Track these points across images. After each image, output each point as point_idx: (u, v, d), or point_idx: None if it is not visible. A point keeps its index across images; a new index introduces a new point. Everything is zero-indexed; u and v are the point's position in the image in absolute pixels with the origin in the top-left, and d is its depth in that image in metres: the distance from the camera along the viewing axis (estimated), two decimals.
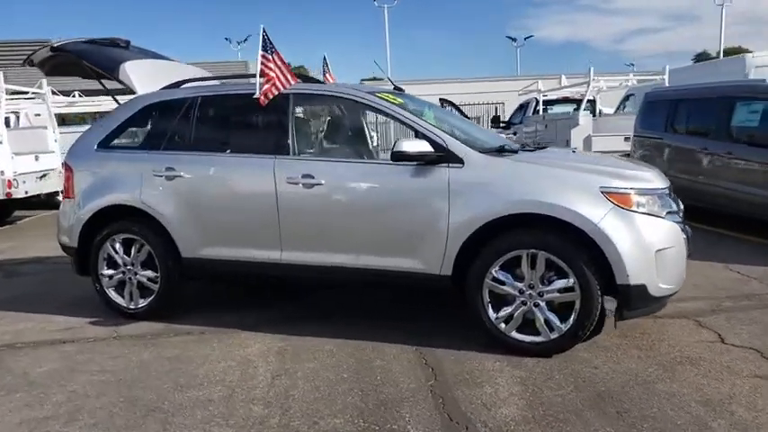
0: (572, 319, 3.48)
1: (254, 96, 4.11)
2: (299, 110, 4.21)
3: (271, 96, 4.10)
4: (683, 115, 8.00)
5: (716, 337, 3.77)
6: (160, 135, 4.45)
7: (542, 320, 3.53)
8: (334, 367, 3.52)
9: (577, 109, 12.58)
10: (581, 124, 10.44)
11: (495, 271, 3.58)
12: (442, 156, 3.66)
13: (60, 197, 11.21)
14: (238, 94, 4.38)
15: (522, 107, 15.32)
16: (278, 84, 4.13)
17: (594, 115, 12.12)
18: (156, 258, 4.36)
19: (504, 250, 3.55)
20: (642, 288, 3.40)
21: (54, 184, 10.99)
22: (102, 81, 5.21)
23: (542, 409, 2.94)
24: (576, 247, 3.44)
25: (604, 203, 3.40)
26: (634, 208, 3.43)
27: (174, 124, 4.40)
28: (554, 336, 3.53)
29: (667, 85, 10.60)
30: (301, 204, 3.96)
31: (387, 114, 3.92)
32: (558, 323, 3.51)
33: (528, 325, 3.59)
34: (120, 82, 4.75)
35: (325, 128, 4.89)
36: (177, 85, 4.67)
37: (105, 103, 13.89)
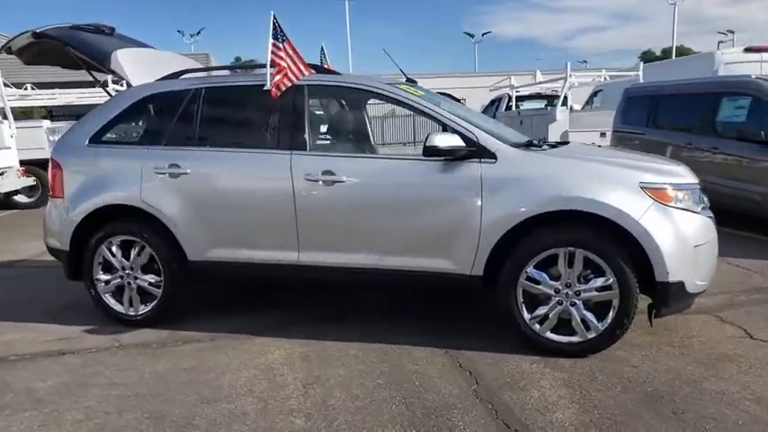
0: (610, 317, 3.40)
1: (265, 88, 3.88)
2: (314, 102, 3.99)
3: (283, 88, 3.87)
4: (666, 111, 8.10)
5: (743, 333, 3.77)
6: (161, 129, 4.15)
7: (579, 320, 3.45)
8: (367, 373, 3.34)
9: (549, 105, 12.68)
10: (558, 120, 10.49)
11: (529, 270, 3.47)
12: (474, 150, 3.53)
13: (21, 197, 10.66)
14: (247, 86, 4.12)
15: (494, 103, 15.36)
16: (290, 75, 3.90)
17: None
18: (159, 261, 4.07)
19: (540, 249, 3.44)
20: (680, 285, 3.35)
21: (12, 182, 10.36)
22: (91, 71, 4.84)
23: (597, 413, 2.85)
24: (614, 244, 3.36)
25: (645, 199, 3.33)
26: (672, 203, 3.37)
27: (177, 118, 4.11)
28: (591, 335, 3.44)
29: (642, 81, 10.76)
30: (321, 203, 3.75)
31: (412, 107, 3.74)
32: (595, 322, 3.42)
33: (563, 325, 3.50)
34: (112, 72, 4.43)
35: (343, 121, 4.67)
36: (176, 75, 4.38)
37: (62, 97, 13.26)
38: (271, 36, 3.91)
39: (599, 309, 3.45)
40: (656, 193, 3.36)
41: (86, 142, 4.26)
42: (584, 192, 3.36)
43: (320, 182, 3.72)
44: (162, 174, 4.00)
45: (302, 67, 3.94)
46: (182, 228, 3.98)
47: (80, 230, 4.20)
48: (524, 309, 3.52)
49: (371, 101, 4.48)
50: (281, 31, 3.95)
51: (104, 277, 4.21)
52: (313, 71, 3.99)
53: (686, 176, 3.58)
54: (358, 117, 4.62)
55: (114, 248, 4.16)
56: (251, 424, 2.82)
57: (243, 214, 3.91)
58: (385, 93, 3.83)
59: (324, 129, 4.39)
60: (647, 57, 45.88)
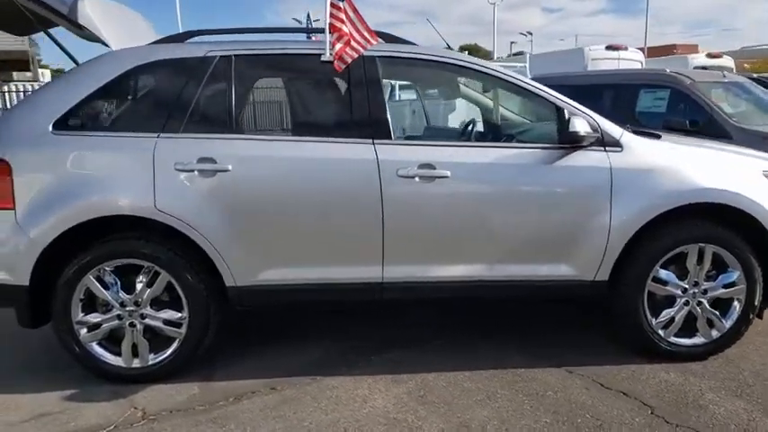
0: (736, 315, 3.20)
1: (324, 59, 3.01)
2: (389, 79, 3.18)
3: (348, 60, 3.03)
4: (579, 102, 8.37)
5: None
6: (174, 111, 3.00)
7: (704, 320, 3.20)
8: (518, 411, 2.73)
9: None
10: (458, 109, 10.42)
11: (657, 271, 3.13)
12: (599, 138, 3.07)
13: None
14: (297, 55, 3.16)
15: None
16: (354, 44, 3.07)
17: None
18: (182, 291, 2.98)
19: (671, 246, 3.11)
20: None
21: None
22: (47, 30, 3.40)
23: None
24: (743, 237, 3.15)
25: None
26: None
27: (198, 95, 3.01)
28: (715, 335, 3.22)
29: (529, 72, 11.13)
30: (417, 205, 3.00)
31: (514, 87, 3.16)
32: (719, 322, 3.20)
33: (685, 327, 3.23)
34: (78, 28, 3.12)
35: (429, 103, 3.86)
36: (181, 38, 3.23)
37: None
38: None
39: (718, 307, 3.23)
40: None
41: (49, 128, 2.94)
42: (717, 182, 3.10)
43: (417, 178, 2.97)
44: (187, 172, 2.90)
45: (367, 35, 3.12)
46: (221, 244, 2.93)
47: (46, 255, 2.91)
48: (649, 313, 3.18)
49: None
50: None
51: (89, 319, 2.98)
52: (380, 39, 3.18)
53: None
54: (446, 97, 3.86)
55: (109, 278, 2.95)
56: None
57: (307, 223, 2.99)
58: (481, 69, 3.18)
59: (408, 111, 3.56)
60: None
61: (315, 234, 3.01)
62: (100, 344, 3.03)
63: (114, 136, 2.97)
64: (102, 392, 2.96)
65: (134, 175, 2.91)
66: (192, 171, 2.90)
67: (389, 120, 3.05)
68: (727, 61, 13.86)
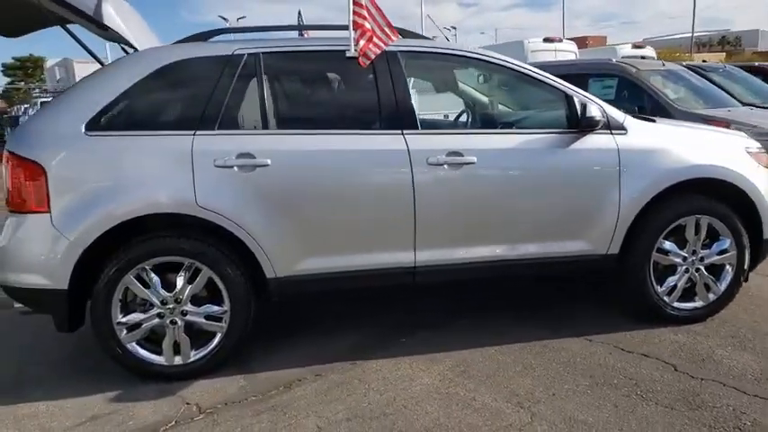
0: (729, 279, 3.54)
1: (349, 55, 3.13)
2: (411, 72, 3.31)
3: (372, 56, 3.16)
4: None
5: None
6: (207, 108, 3.02)
7: (702, 285, 3.52)
8: (556, 378, 2.94)
9: None
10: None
11: (661, 242, 3.43)
12: (605, 122, 3.33)
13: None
14: (322, 51, 3.24)
15: None
16: (376, 40, 3.21)
17: None
18: (224, 285, 3.02)
19: (672, 219, 3.42)
20: None
21: None
22: (68, 27, 3.32)
23: None
24: (730, 207, 3.49)
25: (752, 163, 3.53)
26: (765, 165, 3.63)
27: (230, 93, 3.05)
28: (711, 298, 3.55)
29: None
30: (446, 191, 3.17)
31: (527, 78, 3.37)
32: (715, 286, 3.54)
33: (685, 293, 3.54)
34: (100, 27, 3.10)
35: (449, 95, 3.97)
36: (204, 37, 3.26)
37: None
38: None
39: (713, 273, 3.56)
40: (756, 158, 3.58)
41: (82, 129, 2.92)
42: (711, 159, 3.43)
43: (445, 165, 3.14)
44: (228, 167, 2.95)
45: (388, 31, 3.26)
46: (262, 237, 2.99)
47: (85, 257, 2.90)
48: (655, 282, 3.47)
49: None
50: None
51: (128, 320, 2.98)
52: (399, 35, 3.33)
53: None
54: (463, 89, 3.99)
55: (149, 277, 2.96)
56: None
57: (344, 213, 3.10)
58: (494, 61, 3.38)
59: (429, 102, 3.69)
60: None
61: (350, 222, 3.12)
62: (139, 343, 3.03)
63: (149, 135, 2.98)
64: (146, 391, 2.96)
65: (173, 172, 2.93)
66: (232, 167, 2.95)
67: (415, 110, 3.20)
68: (650, 51, 14.79)
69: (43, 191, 2.85)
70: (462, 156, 3.14)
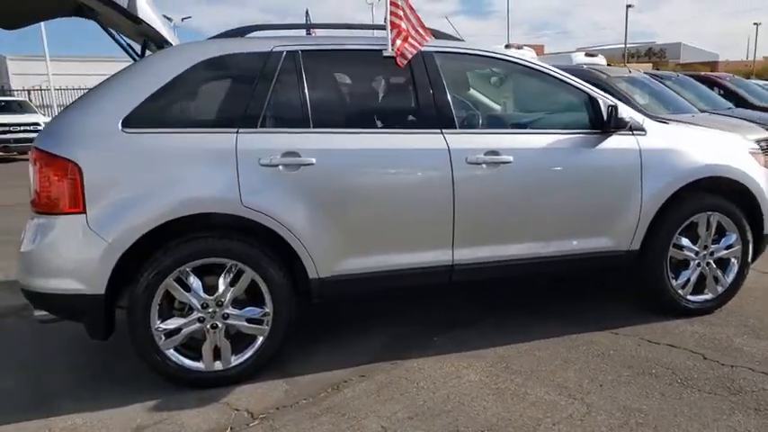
0: (734, 272, 3.75)
1: (386, 54, 3.15)
2: (446, 73, 3.33)
3: (409, 56, 3.19)
4: None
5: None
6: (248, 105, 2.95)
7: (712, 278, 3.72)
8: (596, 369, 3.03)
9: None
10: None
11: (677, 238, 3.60)
12: (629, 123, 3.47)
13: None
14: (361, 50, 3.22)
15: None
16: (412, 40, 3.24)
17: None
18: (268, 286, 2.95)
19: (687, 216, 3.59)
20: None
21: None
22: (101, 21, 3.15)
23: None
24: (737, 205, 3.70)
25: (754, 163, 3.76)
26: (764, 165, 3.87)
27: (271, 90, 2.99)
28: (720, 291, 3.75)
29: None
30: (484, 189, 3.21)
31: (554, 80, 3.46)
32: (723, 278, 3.74)
33: (696, 286, 3.72)
34: (133, 21, 2.97)
35: (477, 94, 3.97)
36: (241, 32, 3.18)
37: None
38: None
39: (720, 267, 3.77)
40: (758, 158, 3.82)
41: (119, 126, 2.79)
42: (722, 159, 3.63)
43: (483, 164, 3.19)
44: (272, 166, 2.89)
45: (422, 31, 3.30)
46: (306, 237, 2.94)
47: (123, 261, 2.77)
48: (671, 276, 3.64)
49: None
50: None
51: (167, 326, 2.86)
52: (432, 36, 3.36)
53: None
54: (488, 90, 4.02)
55: (191, 280, 2.86)
56: None
57: (386, 211, 3.10)
58: (524, 63, 3.46)
59: (463, 103, 3.69)
60: None
61: (392, 221, 3.11)
62: (176, 349, 2.92)
63: (190, 132, 2.88)
64: (186, 399, 2.85)
65: (217, 171, 2.84)
66: (277, 166, 2.89)
67: (453, 110, 3.24)
68: (601, 59, 15.48)
69: (78, 190, 2.70)
70: (499, 155, 3.20)
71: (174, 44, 3.06)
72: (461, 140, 3.17)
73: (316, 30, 4.43)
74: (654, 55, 59.32)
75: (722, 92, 11.23)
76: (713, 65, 49.31)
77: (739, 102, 10.73)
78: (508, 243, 3.31)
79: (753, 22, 73.52)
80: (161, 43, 3.15)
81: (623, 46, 50.03)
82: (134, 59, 3.77)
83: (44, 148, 2.75)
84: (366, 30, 3.41)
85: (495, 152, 3.20)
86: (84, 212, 2.71)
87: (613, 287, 4.22)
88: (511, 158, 3.22)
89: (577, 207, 3.39)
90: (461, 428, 2.54)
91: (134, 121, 2.81)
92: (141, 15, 2.91)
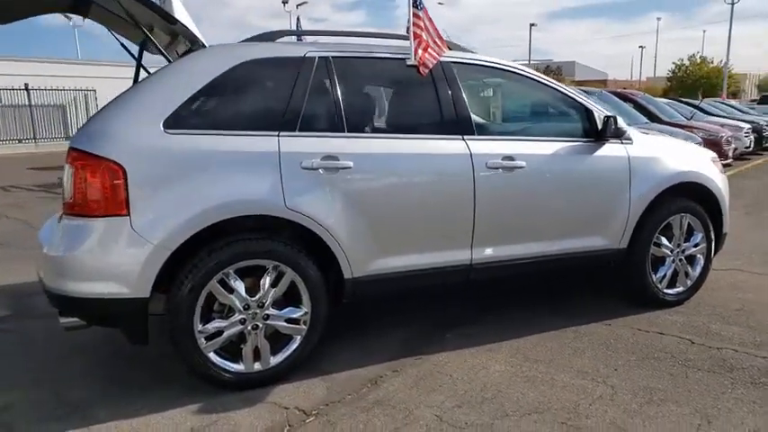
0: (700, 267, 4.21)
1: (410, 63, 3.32)
2: (464, 83, 3.52)
3: (430, 66, 3.38)
4: None
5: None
6: (288, 110, 3.00)
7: (683, 273, 4.15)
8: (606, 356, 3.33)
9: None
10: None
11: (657, 236, 4.00)
12: (626, 132, 3.83)
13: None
14: (386, 59, 3.35)
15: None
16: (431, 51, 3.43)
17: None
18: (307, 287, 3.01)
19: (666, 216, 3.99)
20: (725, 235, 4.39)
21: None
22: (135, 19, 3.04)
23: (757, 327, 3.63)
24: (703, 207, 4.16)
25: (716, 170, 4.24)
26: (721, 172, 4.37)
27: (308, 94, 3.06)
28: (689, 284, 4.19)
29: None
30: (500, 192, 3.44)
31: (553, 91, 3.76)
32: (692, 272, 4.18)
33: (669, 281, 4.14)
34: (169, 21, 2.95)
35: (487, 103, 4.11)
36: (271, 37, 3.22)
37: None
38: (410, 3, 3.35)
39: (689, 263, 4.21)
40: (717, 165, 4.31)
41: (161, 127, 2.77)
42: (693, 166, 4.07)
43: (500, 169, 3.42)
44: (313, 170, 2.96)
45: (440, 42, 3.49)
46: (343, 238, 3.04)
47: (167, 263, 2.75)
48: (652, 272, 4.03)
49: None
50: None
51: (209, 328, 2.86)
52: (448, 47, 3.56)
53: None
54: (496, 99, 4.19)
55: (234, 282, 2.87)
56: None
57: (414, 213, 3.24)
58: (530, 76, 3.73)
59: (478, 111, 3.86)
60: None
61: (420, 223, 3.27)
62: (216, 352, 2.91)
63: (233, 134, 2.89)
64: (231, 401, 2.86)
65: (262, 174, 2.88)
66: (317, 169, 2.97)
67: (471, 117, 3.44)
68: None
69: (122, 192, 2.66)
70: (514, 160, 3.44)
71: (211, 44, 3.06)
72: (481, 146, 3.38)
73: (306, 37, 4.52)
74: (552, 72, 63.03)
75: (635, 107, 12.23)
76: (603, 83, 53.29)
77: (651, 117, 11.79)
78: (519, 242, 3.55)
79: (638, 45, 79.67)
80: (193, 42, 3.13)
81: (526, 62, 52.78)
82: (134, 57, 3.72)
83: (84, 148, 2.68)
84: (383, 39, 3.54)
85: (510, 157, 3.43)
86: (128, 215, 2.67)
87: (594, 284, 4.57)
88: (524, 164, 3.46)
89: (579, 208, 3.70)
90: (509, 412, 2.73)
91: (175, 122, 2.80)
92: (177, 15, 2.90)
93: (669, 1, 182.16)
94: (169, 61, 3.59)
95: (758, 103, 25.05)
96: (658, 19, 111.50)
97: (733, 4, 36.36)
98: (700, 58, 50.30)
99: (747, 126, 14.01)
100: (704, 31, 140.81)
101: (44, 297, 2.85)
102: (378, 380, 3.07)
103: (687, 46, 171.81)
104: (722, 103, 19.79)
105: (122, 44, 3.71)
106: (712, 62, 49.48)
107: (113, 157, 2.65)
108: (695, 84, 46.49)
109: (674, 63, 52.76)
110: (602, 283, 4.53)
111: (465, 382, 3.03)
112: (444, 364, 3.24)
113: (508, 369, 3.18)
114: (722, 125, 13.09)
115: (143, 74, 3.81)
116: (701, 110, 14.92)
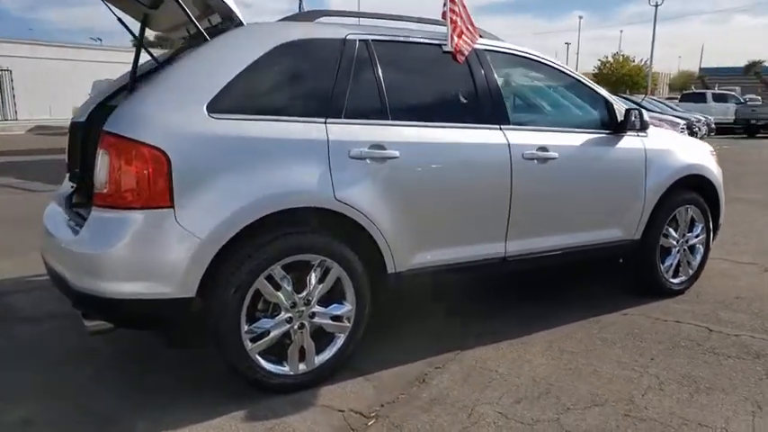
0: (700, 256, 4.36)
1: (446, 50, 3.23)
2: (498, 71, 3.43)
3: (466, 53, 3.30)
4: None
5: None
6: (333, 95, 2.82)
7: (686, 263, 4.28)
8: (635, 345, 3.37)
9: None
10: None
11: (666, 228, 4.10)
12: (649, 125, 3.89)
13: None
14: (426, 44, 3.22)
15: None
16: (466, 37, 3.34)
17: None
18: (353, 283, 2.86)
19: (674, 208, 4.10)
20: (720, 225, 4.57)
21: None
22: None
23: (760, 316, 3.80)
24: (703, 199, 4.30)
25: (714, 163, 4.39)
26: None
27: (351, 78, 2.89)
28: (690, 273, 4.33)
29: None
30: (534, 184, 3.39)
31: (579, 83, 3.76)
32: (693, 262, 4.32)
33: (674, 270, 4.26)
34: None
35: (518, 93, 3.99)
36: (310, 17, 3.02)
37: None
38: None
39: (689, 252, 4.35)
40: (715, 158, 4.46)
41: (204, 111, 2.54)
42: (698, 159, 4.19)
43: (535, 160, 3.38)
44: (361, 159, 2.81)
45: (472, 29, 3.41)
46: (388, 231, 2.90)
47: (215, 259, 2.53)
48: (660, 262, 4.13)
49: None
50: None
51: (258, 327, 2.66)
52: (480, 35, 3.48)
53: None
54: (528, 88, 4.09)
55: (281, 279, 2.68)
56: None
57: (457, 204, 3.16)
58: (558, 67, 3.71)
59: (510, 100, 3.74)
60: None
61: (461, 214, 3.18)
62: (261, 354, 2.72)
63: (280, 120, 2.69)
64: (279, 405, 2.68)
65: (311, 163, 2.70)
66: (365, 159, 2.82)
67: (506, 107, 3.38)
68: None
69: (165, 182, 2.42)
70: (548, 151, 3.41)
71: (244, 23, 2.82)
72: (517, 136, 3.33)
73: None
74: None
75: None
76: None
77: None
78: (549, 235, 3.54)
79: (564, 42, 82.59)
80: (228, 17, 2.89)
81: None
82: (134, 36, 3.45)
83: (123, 132, 2.42)
84: (418, 23, 3.41)
85: (544, 148, 3.40)
86: (172, 207, 2.43)
87: (592, 277, 4.64)
88: (556, 155, 3.44)
89: (603, 200, 3.73)
90: (569, 405, 2.70)
91: (219, 106, 2.57)
92: None
93: (590, 0, 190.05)
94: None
95: (680, 101, 26.53)
96: (580, 17, 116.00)
97: (657, 6, 38.32)
98: (622, 56, 52.67)
99: (683, 122, 14.81)
100: (621, 31, 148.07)
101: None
102: (424, 377, 2.97)
103: (606, 45, 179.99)
104: (656, 100, 20.83)
105: (120, 19, 3.40)
106: (634, 60, 51.97)
107: (156, 143, 2.40)
108: (618, 81, 48.68)
109: (599, 60, 55.05)
110: (601, 276, 4.60)
111: (514, 377, 2.98)
112: (486, 360, 3.17)
113: (550, 362, 3.15)
114: (660, 121, 13.74)
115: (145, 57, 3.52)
116: (642, 107, 15.58)
